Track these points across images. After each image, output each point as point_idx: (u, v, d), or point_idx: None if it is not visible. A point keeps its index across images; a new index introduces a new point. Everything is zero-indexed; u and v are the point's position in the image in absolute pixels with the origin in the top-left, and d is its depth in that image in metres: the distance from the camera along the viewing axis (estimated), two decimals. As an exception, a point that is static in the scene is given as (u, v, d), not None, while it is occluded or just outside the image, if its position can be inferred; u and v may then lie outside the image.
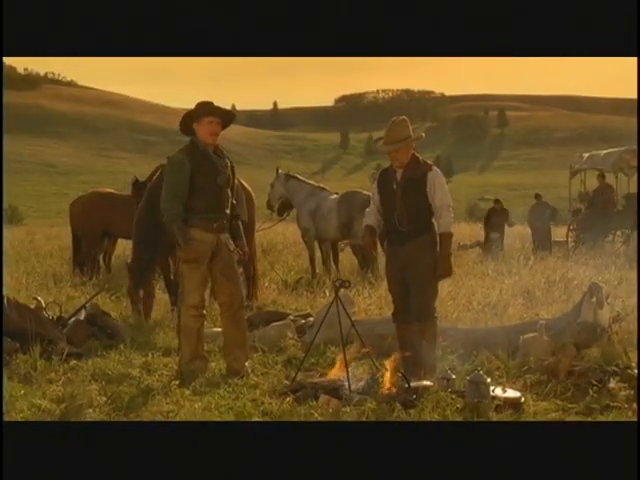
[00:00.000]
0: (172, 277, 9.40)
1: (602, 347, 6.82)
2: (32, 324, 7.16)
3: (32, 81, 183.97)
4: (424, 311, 6.40)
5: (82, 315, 8.13)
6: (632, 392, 5.75)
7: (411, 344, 6.46)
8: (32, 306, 7.83)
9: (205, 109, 6.64)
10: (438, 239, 6.45)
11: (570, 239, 19.34)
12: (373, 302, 9.24)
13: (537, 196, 21.05)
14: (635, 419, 5.20)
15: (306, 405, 5.58)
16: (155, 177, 9.44)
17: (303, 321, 8.40)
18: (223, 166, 6.70)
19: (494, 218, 19.58)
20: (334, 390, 5.80)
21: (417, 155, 6.56)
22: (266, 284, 11.37)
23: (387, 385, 5.74)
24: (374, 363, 6.33)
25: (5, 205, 37.84)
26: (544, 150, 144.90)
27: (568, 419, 5.36)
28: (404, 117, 6.61)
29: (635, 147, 19.23)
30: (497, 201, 20.97)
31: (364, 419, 5.23)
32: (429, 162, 6.63)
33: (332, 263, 13.58)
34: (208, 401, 5.72)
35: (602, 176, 19.66)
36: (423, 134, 6.77)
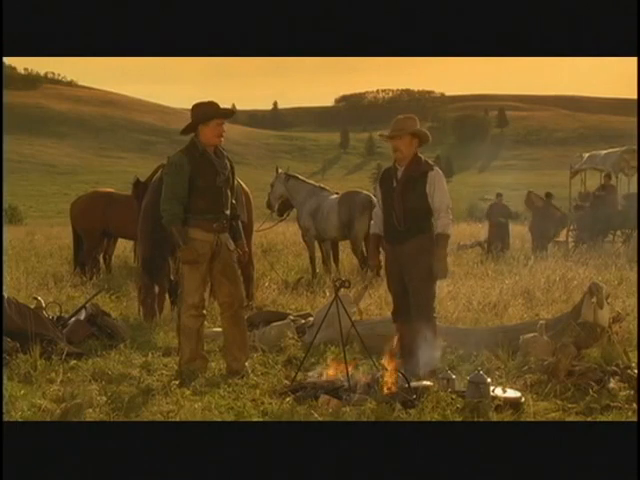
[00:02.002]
0: (172, 277, 9.40)
1: (602, 347, 6.83)
2: (32, 324, 7.16)
3: (32, 81, 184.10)
4: (422, 311, 6.39)
5: (82, 315, 8.13)
6: (632, 392, 5.75)
7: (411, 343, 6.47)
8: (32, 306, 7.82)
9: (213, 111, 6.64)
10: (435, 240, 6.45)
11: (570, 239, 19.35)
12: (373, 302, 9.24)
13: (548, 195, 20.69)
14: (635, 419, 5.20)
15: (306, 405, 5.58)
16: (157, 176, 9.43)
17: (303, 321, 8.39)
18: (223, 167, 6.70)
19: (496, 212, 19.56)
20: (334, 390, 5.80)
21: (420, 155, 6.57)
22: (266, 284, 11.37)
23: (387, 385, 5.75)
24: (374, 363, 6.33)
25: (5, 205, 37.84)
26: (544, 150, 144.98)
27: (568, 419, 5.36)
28: (413, 115, 6.70)
29: (635, 147, 19.25)
30: (499, 195, 20.93)
31: (364, 419, 5.23)
32: (431, 162, 6.64)
33: (332, 263, 13.58)
34: (208, 401, 5.72)
35: (608, 176, 19.65)
36: (427, 132, 6.76)
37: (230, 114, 6.86)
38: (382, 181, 6.68)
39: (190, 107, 6.88)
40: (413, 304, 6.43)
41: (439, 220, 6.43)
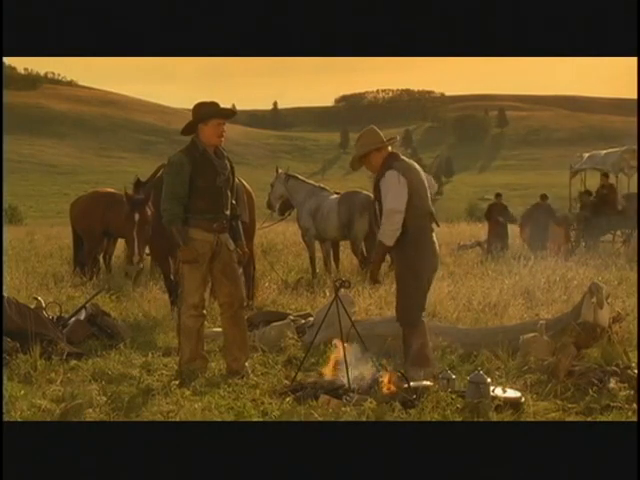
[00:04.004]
0: (172, 277, 9.40)
1: (602, 347, 6.82)
2: (32, 324, 7.16)
3: (32, 81, 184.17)
4: (401, 315, 6.37)
5: (82, 315, 8.13)
6: (632, 392, 5.75)
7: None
8: (32, 306, 7.82)
9: (213, 111, 6.64)
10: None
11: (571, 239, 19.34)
12: (373, 302, 9.24)
13: (543, 196, 20.56)
14: (635, 419, 5.20)
15: (306, 405, 5.58)
16: (157, 176, 9.42)
17: (303, 321, 8.39)
18: (223, 167, 6.70)
19: (495, 212, 19.53)
20: (334, 390, 5.80)
21: (391, 156, 6.39)
22: (266, 284, 11.37)
23: (387, 385, 5.75)
24: (374, 363, 6.33)
25: (5, 205, 37.86)
26: (544, 150, 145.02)
27: (568, 419, 5.36)
28: (369, 128, 6.54)
29: (635, 147, 19.25)
30: (498, 195, 20.90)
31: (364, 419, 5.23)
32: (395, 164, 6.31)
33: (332, 263, 13.58)
34: (208, 401, 5.72)
35: (606, 176, 19.65)
36: (396, 138, 6.67)
37: (230, 114, 6.87)
38: None
39: (190, 107, 6.90)
40: (396, 308, 6.44)
41: (381, 225, 6.23)
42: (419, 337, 6.31)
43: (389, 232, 6.20)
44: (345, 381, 5.88)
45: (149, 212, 9.03)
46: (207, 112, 6.63)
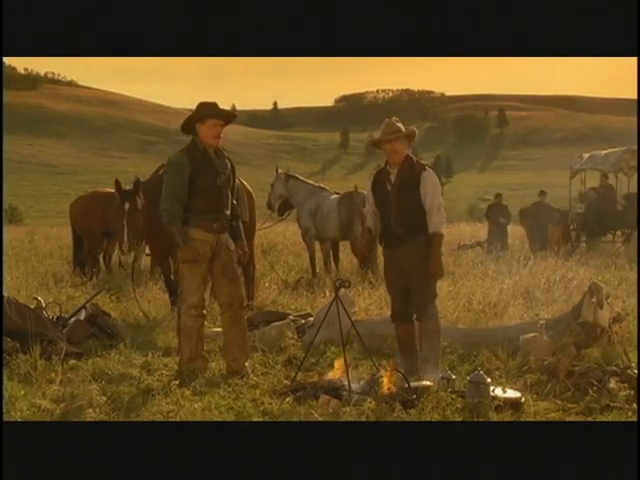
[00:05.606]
0: (172, 277, 9.39)
1: (602, 347, 6.83)
2: (32, 324, 7.16)
3: (32, 81, 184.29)
4: (425, 311, 6.40)
5: (82, 315, 8.13)
6: (632, 392, 5.75)
7: (410, 345, 6.47)
8: (32, 306, 7.82)
9: (210, 111, 6.62)
10: (429, 239, 6.44)
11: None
12: (373, 302, 9.24)
13: (541, 193, 20.55)
14: (635, 419, 5.20)
15: (306, 405, 5.58)
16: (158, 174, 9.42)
17: (303, 321, 8.39)
18: (223, 167, 6.70)
19: (495, 212, 19.54)
20: (334, 390, 5.80)
21: (411, 156, 6.58)
22: (266, 284, 11.37)
23: (387, 385, 5.75)
24: (374, 363, 6.33)
25: (5, 205, 37.89)
26: (544, 150, 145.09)
27: (568, 419, 5.37)
28: (395, 118, 6.67)
29: (635, 147, 19.24)
30: (498, 195, 20.90)
31: (364, 419, 5.23)
32: (423, 162, 6.65)
33: (332, 263, 13.58)
34: (208, 401, 5.72)
35: (605, 176, 19.66)
36: (416, 129, 6.83)
37: (227, 116, 6.79)
38: (375, 184, 6.65)
39: (190, 107, 6.89)
40: (416, 305, 6.42)
41: (432, 219, 6.40)
42: (438, 334, 6.42)
43: (442, 224, 6.51)
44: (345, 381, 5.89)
45: (139, 202, 9.10)
46: (205, 112, 6.63)
